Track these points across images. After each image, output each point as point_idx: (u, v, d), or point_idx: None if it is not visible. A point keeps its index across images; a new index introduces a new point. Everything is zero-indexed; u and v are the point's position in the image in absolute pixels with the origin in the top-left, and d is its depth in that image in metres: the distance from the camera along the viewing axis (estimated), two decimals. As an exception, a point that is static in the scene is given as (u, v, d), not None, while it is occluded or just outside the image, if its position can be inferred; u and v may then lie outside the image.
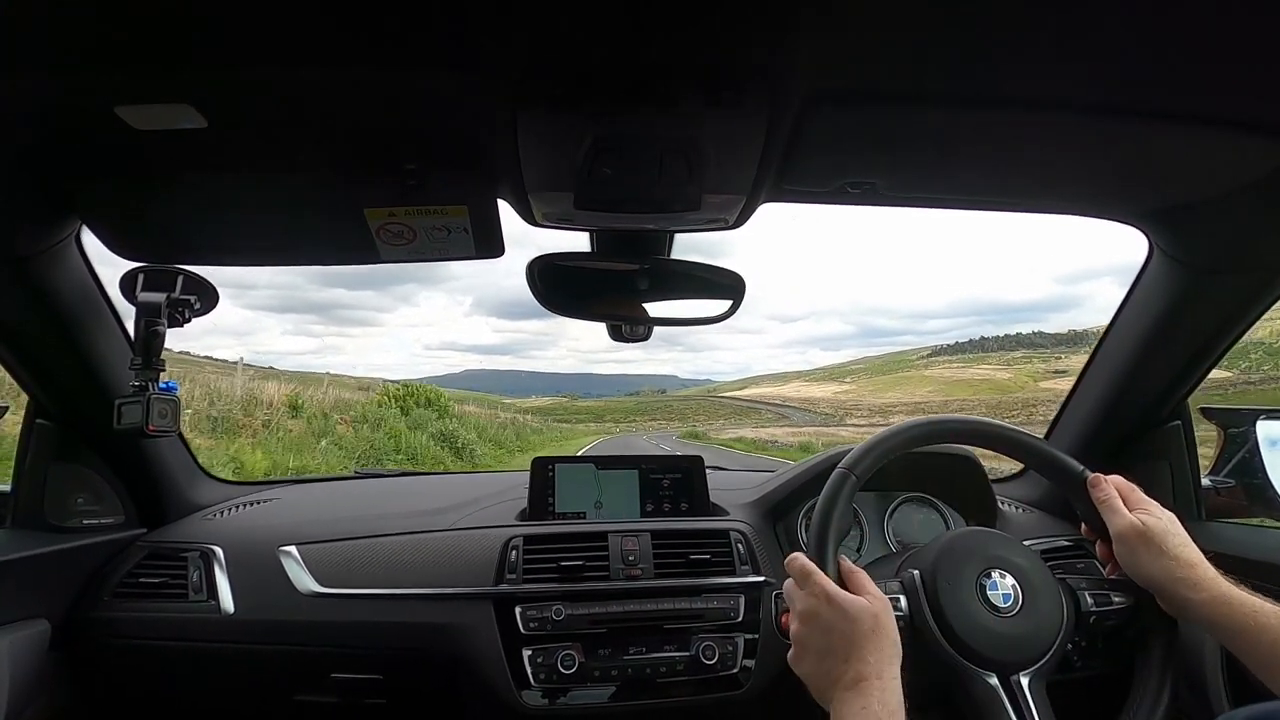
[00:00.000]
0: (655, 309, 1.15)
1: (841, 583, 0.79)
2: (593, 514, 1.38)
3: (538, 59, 0.69)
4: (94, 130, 0.79)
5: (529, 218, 1.02)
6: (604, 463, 1.45)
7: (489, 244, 1.03)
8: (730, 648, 1.17)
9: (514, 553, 1.22)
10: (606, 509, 1.39)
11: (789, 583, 0.82)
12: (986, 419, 1.02)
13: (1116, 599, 0.87)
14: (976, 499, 1.41)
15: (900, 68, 0.71)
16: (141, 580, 1.25)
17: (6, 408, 1.34)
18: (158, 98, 0.72)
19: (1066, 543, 1.34)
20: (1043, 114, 0.79)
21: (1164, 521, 0.82)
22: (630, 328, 1.22)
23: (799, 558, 0.82)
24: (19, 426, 1.25)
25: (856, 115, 0.81)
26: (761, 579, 1.24)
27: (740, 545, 1.28)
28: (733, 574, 1.24)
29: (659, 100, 0.74)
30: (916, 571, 0.87)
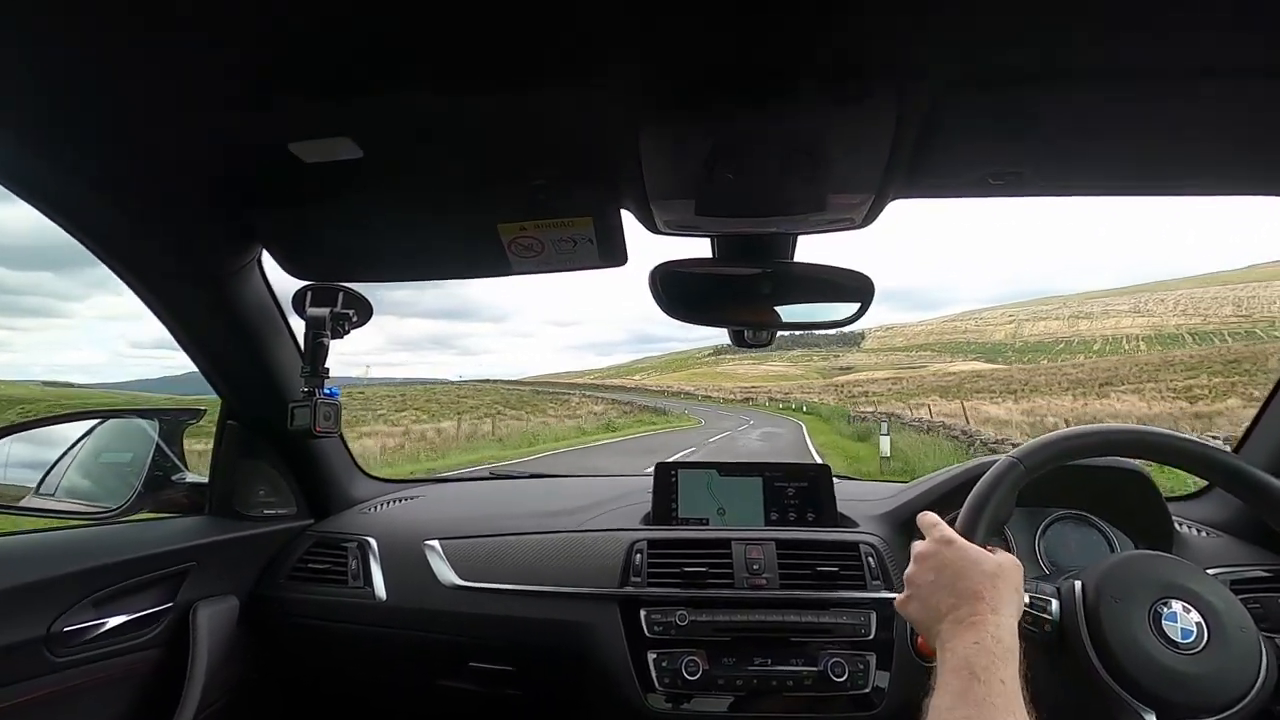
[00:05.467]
0: (780, 312, 1.14)
1: None
2: (715, 520, 1.37)
3: (660, 61, 0.70)
4: (271, 166, 0.90)
5: (651, 226, 1.04)
6: (725, 469, 1.43)
7: (613, 253, 1.06)
8: (861, 665, 1.12)
9: (638, 556, 1.24)
10: (729, 516, 1.38)
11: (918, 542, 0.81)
12: (1207, 443, 0.84)
13: None
14: (1148, 519, 1.24)
15: (1044, 45, 0.66)
16: (310, 566, 1.40)
17: (204, 411, 1.55)
18: (323, 132, 0.82)
19: (1264, 573, 1.14)
20: (1212, 84, 0.70)
21: None
22: (754, 333, 1.20)
23: (928, 513, 0.81)
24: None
25: (998, 100, 0.75)
26: (895, 596, 1.18)
27: (871, 559, 1.22)
28: (863, 589, 1.19)
29: (781, 98, 0.73)
30: (1079, 583, 0.78)
